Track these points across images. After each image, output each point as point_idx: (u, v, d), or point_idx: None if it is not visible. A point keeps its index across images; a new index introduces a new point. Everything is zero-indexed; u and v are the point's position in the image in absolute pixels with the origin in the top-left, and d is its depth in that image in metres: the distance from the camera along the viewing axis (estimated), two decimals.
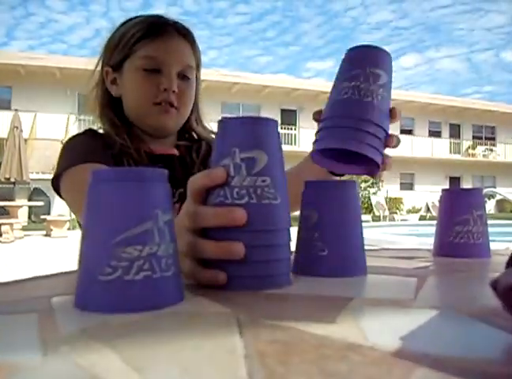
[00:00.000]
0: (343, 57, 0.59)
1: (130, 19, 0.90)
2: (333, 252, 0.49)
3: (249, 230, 0.40)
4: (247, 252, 0.40)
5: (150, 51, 0.85)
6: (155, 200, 0.35)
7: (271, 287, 0.41)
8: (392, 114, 0.56)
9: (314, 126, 0.59)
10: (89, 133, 0.91)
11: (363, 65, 0.55)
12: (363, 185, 15.64)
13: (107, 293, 0.34)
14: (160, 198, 0.36)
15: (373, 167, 0.56)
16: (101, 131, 0.92)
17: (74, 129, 12.85)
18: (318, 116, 0.58)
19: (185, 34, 0.90)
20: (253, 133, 0.42)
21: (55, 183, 0.83)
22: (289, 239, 0.44)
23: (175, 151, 0.94)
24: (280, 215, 0.42)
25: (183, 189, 0.72)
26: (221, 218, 0.40)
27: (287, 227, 0.43)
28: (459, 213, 0.67)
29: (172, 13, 0.91)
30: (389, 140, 0.55)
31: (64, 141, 0.90)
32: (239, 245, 0.40)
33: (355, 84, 0.54)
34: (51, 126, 13.90)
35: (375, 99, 0.54)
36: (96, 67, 0.91)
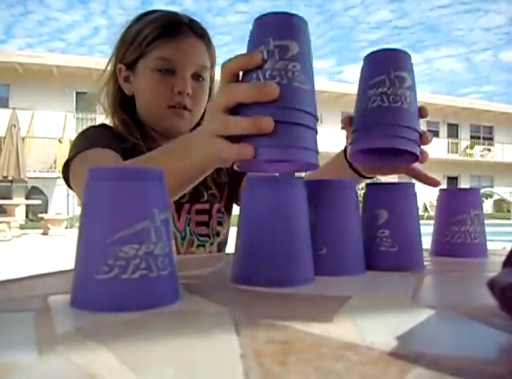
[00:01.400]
0: (362, 63, 0.59)
1: (145, 14, 0.88)
2: (331, 251, 0.49)
3: (279, 106, 0.42)
4: (276, 126, 0.42)
5: (165, 53, 0.84)
6: (152, 198, 0.35)
7: (295, 157, 0.44)
8: (421, 112, 0.59)
9: None
10: (103, 125, 0.91)
11: (387, 70, 0.55)
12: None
13: (103, 292, 0.33)
14: (156, 197, 0.35)
15: (409, 161, 0.60)
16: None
17: (72, 128, 12.82)
18: (348, 123, 0.61)
19: (201, 34, 0.89)
20: (286, 23, 0.44)
21: (65, 173, 0.81)
22: (315, 125, 0.45)
23: None
24: (308, 100, 0.44)
25: (193, 189, 0.71)
26: (254, 90, 0.42)
27: (313, 114, 0.45)
28: (456, 213, 0.68)
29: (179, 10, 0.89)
30: (424, 140, 0.58)
31: (77, 134, 0.89)
32: (268, 120, 0.41)
33: (382, 90, 0.55)
34: (49, 125, 13.86)
35: (404, 103, 0.55)
36: (109, 63, 0.90)
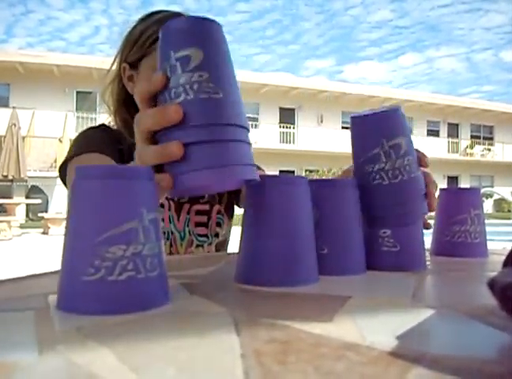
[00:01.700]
0: (351, 125, 0.55)
1: (150, 14, 0.89)
2: (332, 251, 0.49)
3: (186, 127, 0.38)
4: (187, 149, 0.38)
5: None
6: (140, 198, 0.34)
7: (217, 178, 0.38)
8: (421, 162, 0.55)
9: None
10: (102, 127, 0.92)
11: (379, 141, 0.51)
12: None
13: (89, 294, 0.32)
14: (145, 196, 0.34)
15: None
16: (115, 127, 0.92)
17: (72, 127, 12.83)
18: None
19: None
20: (184, 30, 0.40)
21: (62, 172, 0.84)
22: (241, 136, 0.40)
23: None
24: (223, 110, 0.39)
25: None
26: (157, 116, 0.39)
27: (233, 123, 0.39)
28: (457, 212, 0.68)
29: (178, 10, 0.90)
30: (423, 163, 0.56)
31: (78, 133, 0.90)
32: (174, 145, 0.38)
33: (380, 167, 0.51)
34: (49, 124, 13.87)
35: (405, 175, 0.51)
36: (114, 62, 0.91)
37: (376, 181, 0.52)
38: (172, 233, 0.89)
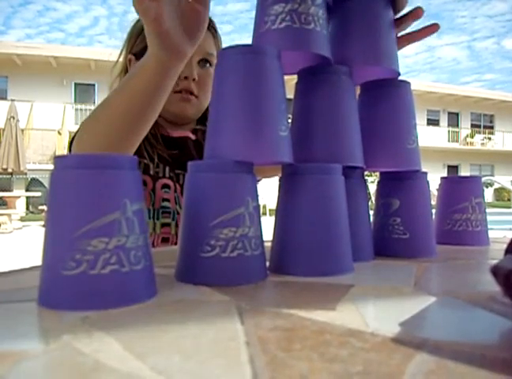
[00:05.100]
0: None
1: None
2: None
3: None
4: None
5: None
6: (123, 188, 0.33)
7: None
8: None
9: None
10: None
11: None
12: None
13: (70, 289, 0.31)
14: (128, 187, 0.33)
15: None
16: None
17: (71, 119, 12.78)
18: None
19: None
20: None
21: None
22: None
23: (191, 135, 0.95)
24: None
25: None
26: None
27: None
28: (458, 201, 0.68)
29: None
30: (417, 13, 0.59)
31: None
32: None
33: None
34: (48, 116, 13.82)
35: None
36: (120, 54, 0.91)
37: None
38: (178, 213, 0.89)
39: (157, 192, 0.87)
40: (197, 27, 0.55)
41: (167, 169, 0.89)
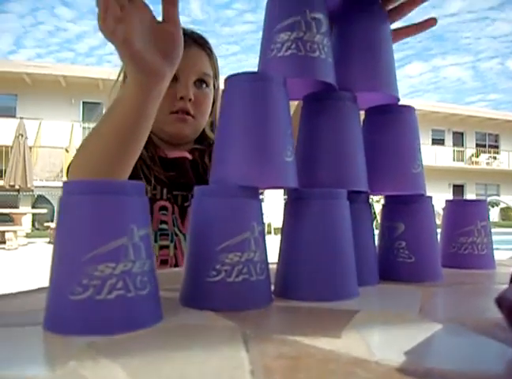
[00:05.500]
0: None
1: None
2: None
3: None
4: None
5: None
6: (130, 214, 0.33)
7: None
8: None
9: None
10: None
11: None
12: None
13: (76, 314, 0.31)
14: (135, 212, 0.34)
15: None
16: None
17: (78, 137, 12.91)
18: None
19: (202, 43, 0.92)
20: None
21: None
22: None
23: (188, 155, 0.95)
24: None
25: None
26: None
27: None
28: (463, 224, 0.67)
29: (182, 23, 0.92)
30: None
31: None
32: None
33: None
34: (56, 134, 13.97)
35: None
36: (120, 73, 0.92)
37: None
38: (176, 235, 0.89)
39: (155, 214, 0.87)
40: (173, 46, 0.55)
41: (165, 191, 0.89)
